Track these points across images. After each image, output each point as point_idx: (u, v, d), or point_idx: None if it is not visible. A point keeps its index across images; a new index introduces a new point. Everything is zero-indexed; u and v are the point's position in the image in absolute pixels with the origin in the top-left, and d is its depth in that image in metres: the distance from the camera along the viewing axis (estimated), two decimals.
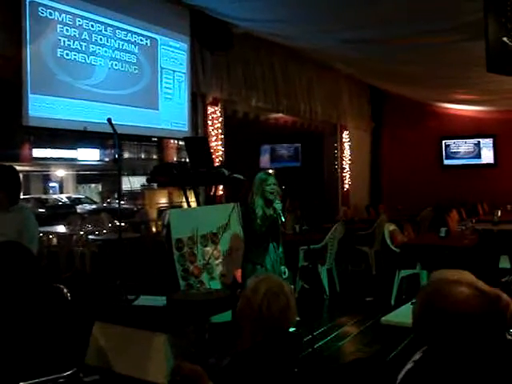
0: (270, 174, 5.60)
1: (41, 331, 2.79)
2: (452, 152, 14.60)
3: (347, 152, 13.56)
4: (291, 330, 2.50)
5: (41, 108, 6.28)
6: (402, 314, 3.91)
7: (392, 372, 1.93)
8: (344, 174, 13.53)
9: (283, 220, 5.35)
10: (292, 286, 5.96)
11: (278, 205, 5.29)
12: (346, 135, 13.48)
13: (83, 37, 6.76)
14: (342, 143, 13.48)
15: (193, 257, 5.54)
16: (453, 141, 14.59)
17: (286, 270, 5.52)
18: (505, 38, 5.08)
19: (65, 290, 3.61)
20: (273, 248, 5.39)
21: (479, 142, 14.40)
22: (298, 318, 5.32)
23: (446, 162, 14.61)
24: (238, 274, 5.54)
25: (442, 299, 1.68)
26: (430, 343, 1.72)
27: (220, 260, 5.87)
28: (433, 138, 14.48)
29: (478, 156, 14.38)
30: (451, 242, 7.73)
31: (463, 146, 14.52)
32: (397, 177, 14.45)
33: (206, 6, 7.81)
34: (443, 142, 14.58)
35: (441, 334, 1.67)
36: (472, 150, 14.49)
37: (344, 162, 13.53)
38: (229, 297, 4.74)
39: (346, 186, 13.54)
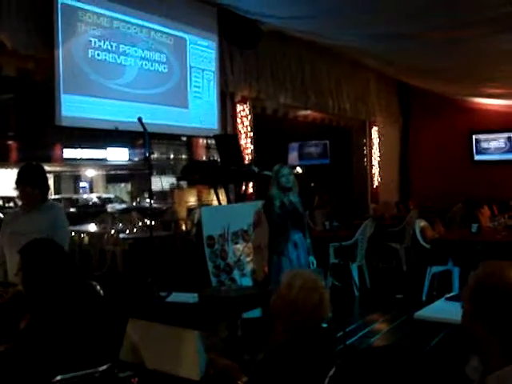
0: (283, 165, 5.68)
1: (76, 326, 2.83)
2: (483, 147, 14.38)
3: (376, 148, 13.48)
4: (323, 325, 2.51)
5: (73, 108, 6.36)
6: (436, 310, 3.89)
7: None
8: (373, 171, 13.45)
9: (302, 209, 5.44)
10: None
11: (293, 197, 5.40)
12: (374, 131, 13.39)
13: (113, 37, 6.83)
14: (370, 139, 13.39)
15: (224, 254, 5.58)
16: (483, 136, 14.37)
17: (314, 260, 5.55)
18: None
19: (97, 287, 3.66)
20: (299, 239, 5.44)
21: (511, 136, 14.16)
22: (329, 315, 5.30)
23: (477, 157, 14.39)
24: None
25: (496, 280, 1.73)
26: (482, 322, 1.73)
27: (251, 257, 5.89)
28: (463, 133, 14.27)
29: (511, 151, 14.14)
30: (483, 237, 7.65)
31: (494, 141, 14.30)
32: (427, 173, 14.29)
33: (232, 3, 7.83)
34: (473, 136, 14.38)
35: (492, 314, 1.71)
36: (503, 145, 14.26)
37: (373, 159, 13.45)
38: (260, 293, 4.76)
39: (376, 183, 13.46)
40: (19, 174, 4.17)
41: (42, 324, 2.79)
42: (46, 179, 4.31)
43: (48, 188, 4.35)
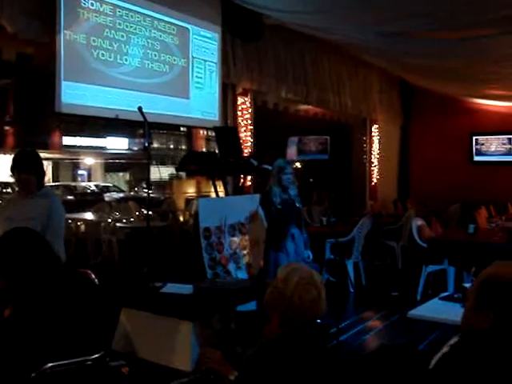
0: (288, 162, 5.64)
1: (65, 314, 2.81)
2: (482, 148, 14.38)
3: (376, 146, 13.47)
4: (317, 321, 2.50)
5: (73, 95, 6.34)
6: (430, 309, 3.89)
7: (421, 360, 1.95)
8: (372, 168, 13.44)
9: (300, 206, 5.42)
10: None
11: (293, 191, 5.38)
12: (375, 129, 13.38)
13: (116, 25, 6.80)
14: (371, 137, 13.39)
15: (220, 246, 5.56)
16: (484, 137, 14.35)
17: (311, 254, 5.54)
18: None
19: (92, 276, 3.65)
20: (297, 233, 5.43)
21: (511, 138, 14.14)
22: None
23: (476, 158, 14.38)
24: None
25: (504, 275, 1.86)
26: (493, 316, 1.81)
27: (247, 250, 5.88)
28: (463, 133, 14.25)
29: (510, 153, 14.12)
30: (480, 238, 7.64)
31: (495, 142, 14.27)
32: (425, 172, 14.28)
33: None
34: (473, 137, 14.36)
35: (498, 308, 1.80)
36: (503, 147, 14.24)
37: (372, 156, 13.45)
38: (255, 286, 4.75)
39: (374, 180, 13.46)
40: (14, 161, 4.12)
41: (26, 312, 2.77)
42: (42, 165, 4.26)
43: (44, 174, 4.30)
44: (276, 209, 5.33)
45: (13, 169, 4.13)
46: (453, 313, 3.48)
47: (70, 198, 21.26)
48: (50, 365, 2.65)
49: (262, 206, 5.57)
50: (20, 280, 2.87)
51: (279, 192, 5.39)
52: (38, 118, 17.96)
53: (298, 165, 15.82)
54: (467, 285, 3.62)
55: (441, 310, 3.78)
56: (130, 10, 6.96)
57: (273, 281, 2.44)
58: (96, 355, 2.88)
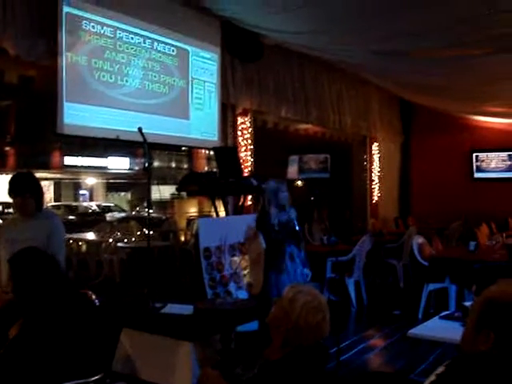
0: (281, 182, 5.61)
1: (68, 335, 2.81)
2: (483, 165, 14.39)
3: (376, 164, 13.50)
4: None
5: (75, 116, 6.38)
6: (430, 328, 3.87)
7: None
8: (373, 186, 13.46)
9: (298, 228, 5.39)
10: None
11: (292, 213, 5.36)
12: (375, 147, 13.42)
13: (117, 47, 6.86)
14: (371, 155, 13.42)
15: (220, 266, 5.57)
16: (484, 154, 14.37)
17: (309, 272, 5.53)
18: None
19: (93, 296, 3.65)
20: (295, 252, 5.41)
21: (511, 155, 14.16)
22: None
23: (477, 174, 14.39)
24: None
25: (507, 296, 1.82)
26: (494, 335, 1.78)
27: (247, 270, 5.88)
28: (463, 150, 14.29)
29: (511, 169, 14.13)
30: (480, 256, 7.62)
31: (495, 159, 14.30)
32: (426, 189, 14.29)
33: (235, 16, 7.86)
34: (474, 154, 14.39)
35: (503, 329, 1.77)
36: (503, 163, 14.26)
37: (373, 174, 13.47)
38: (255, 307, 4.75)
39: (375, 198, 13.46)
40: (10, 185, 4.13)
41: (33, 332, 2.78)
42: (39, 187, 4.26)
43: (42, 195, 4.31)
44: (275, 232, 5.31)
45: (9, 193, 4.15)
46: (453, 332, 3.48)
47: (71, 217, 21.30)
48: None
49: (259, 228, 5.52)
50: (30, 298, 2.89)
51: (277, 213, 5.37)
52: (39, 139, 18.05)
53: (299, 183, 15.81)
54: (467, 303, 3.62)
55: (441, 328, 3.77)
56: (131, 32, 7.03)
57: (279, 300, 2.45)
58: (96, 377, 2.88)
